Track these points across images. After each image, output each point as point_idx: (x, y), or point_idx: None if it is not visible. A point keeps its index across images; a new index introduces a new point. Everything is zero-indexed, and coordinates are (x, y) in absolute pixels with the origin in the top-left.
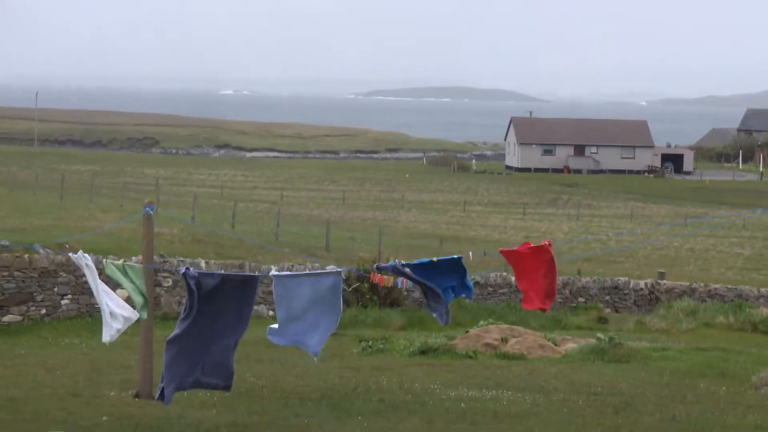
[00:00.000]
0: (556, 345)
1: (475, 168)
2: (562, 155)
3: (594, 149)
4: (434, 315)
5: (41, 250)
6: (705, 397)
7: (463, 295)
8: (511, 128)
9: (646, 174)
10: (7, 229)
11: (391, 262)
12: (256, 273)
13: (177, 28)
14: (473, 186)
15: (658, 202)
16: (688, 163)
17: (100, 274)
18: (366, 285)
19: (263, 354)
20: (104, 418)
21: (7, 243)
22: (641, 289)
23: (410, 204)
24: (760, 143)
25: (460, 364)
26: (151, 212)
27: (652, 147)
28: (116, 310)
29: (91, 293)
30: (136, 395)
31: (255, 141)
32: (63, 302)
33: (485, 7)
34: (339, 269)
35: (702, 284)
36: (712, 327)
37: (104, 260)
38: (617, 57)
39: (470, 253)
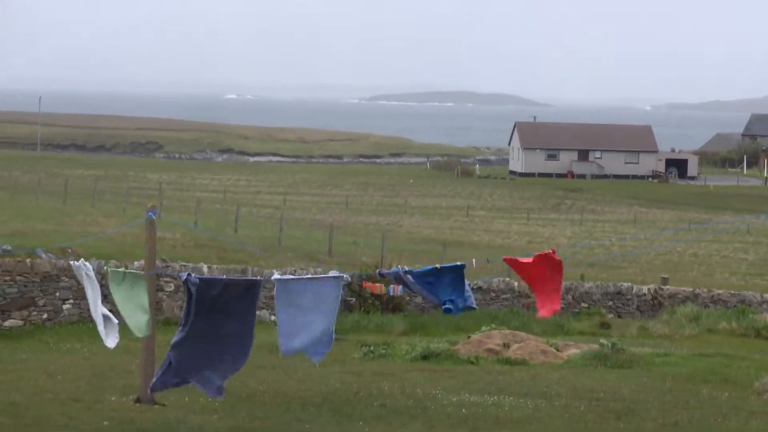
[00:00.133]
0: (558, 350)
1: (478, 173)
2: (566, 160)
3: (598, 154)
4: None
5: (43, 255)
6: (707, 402)
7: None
8: (515, 133)
9: (650, 179)
10: (8, 234)
11: (394, 268)
12: (259, 278)
13: (179, 32)
14: (477, 191)
15: (662, 207)
16: (692, 168)
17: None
18: (368, 292)
19: (265, 359)
20: (105, 423)
21: (9, 247)
22: (644, 294)
23: (413, 209)
24: (764, 148)
25: (462, 369)
26: (154, 217)
27: (656, 152)
28: (110, 315)
29: None
30: (138, 400)
31: (258, 145)
32: (65, 307)
33: (486, 10)
34: (341, 274)
35: (705, 290)
36: (715, 333)
37: (106, 267)
38: (621, 62)
39: (474, 260)
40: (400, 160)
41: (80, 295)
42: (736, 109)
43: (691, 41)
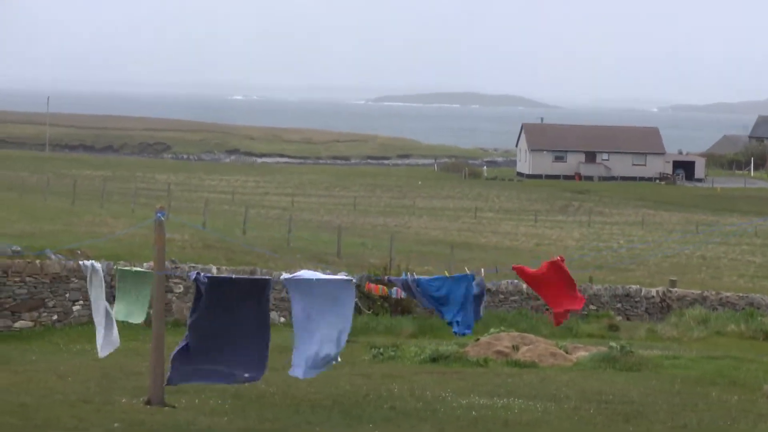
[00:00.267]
0: (567, 353)
1: (486, 174)
2: (574, 162)
3: (605, 156)
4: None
5: (53, 256)
6: (716, 405)
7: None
8: (523, 134)
9: (658, 181)
10: (17, 235)
11: (402, 276)
12: (268, 276)
13: (179, 32)
14: (484, 192)
15: (669, 209)
16: (699, 170)
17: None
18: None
19: (274, 361)
20: (116, 424)
21: (19, 248)
22: (653, 297)
23: (421, 210)
24: None
25: (472, 371)
26: (163, 218)
27: (663, 154)
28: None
29: None
30: (148, 402)
31: (264, 146)
32: (74, 308)
33: (487, 10)
34: (350, 277)
35: (713, 292)
36: (723, 335)
37: (115, 267)
38: (626, 63)
39: (482, 270)
40: (407, 161)
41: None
42: (742, 111)
43: (696, 42)
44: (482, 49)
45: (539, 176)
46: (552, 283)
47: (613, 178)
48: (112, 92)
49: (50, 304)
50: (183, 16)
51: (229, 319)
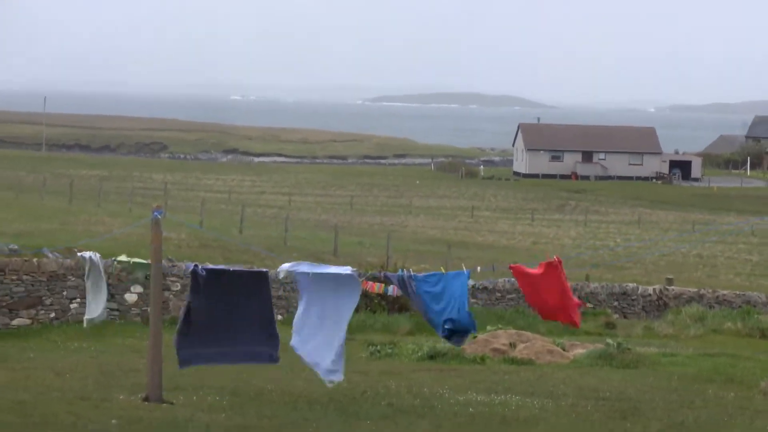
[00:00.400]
0: (564, 350)
1: (483, 174)
2: (570, 161)
3: (602, 155)
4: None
5: (50, 255)
6: (713, 402)
7: (458, 341)
8: (519, 134)
9: (654, 180)
10: (14, 234)
11: (399, 272)
12: (266, 269)
13: (179, 32)
14: (481, 192)
15: (665, 208)
16: (696, 170)
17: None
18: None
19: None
20: (113, 421)
21: (16, 247)
22: (649, 295)
23: (418, 209)
24: (767, 150)
25: (469, 368)
26: (159, 217)
27: (659, 153)
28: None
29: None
30: (146, 399)
31: (262, 146)
32: (72, 306)
33: (486, 10)
34: (354, 271)
35: (710, 290)
36: (720, 333)
37: (114, 262)
38: (624, 63)
39: (478, 267)
40: (404, 161)
41: None
42: (740, 111)
43: (695, 42)
44: (481, 50)
45: (536, 176)
46: (547, 289)
47: (609, 178)
48: (109, 92)
49: (47, 301)
50: (183, 16)
51: (230, 307)
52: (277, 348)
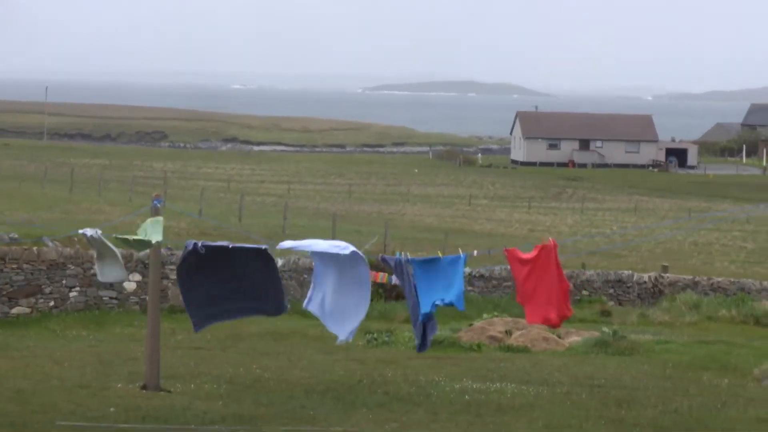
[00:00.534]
0: (559, 338)
1: (480, 162)
2: (567, 149)
3: (599, 143)
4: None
5: (50, 243)
6: (707, 389)
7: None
8: (517, 122)
9: (651, 168)
10: (15, 222)
11: (396, 255)
12: (265, 246)
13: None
14: (479, 180)
15: (662, 196)
16: (692, 158)
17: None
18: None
19: (270, 347)
20: (111, 409)
21: (16, 236)
22: (645, 282)
23: (416, 198)
24: (763, 138)
25: (465, 356)
26: (159, 205)
27: (656, 141)
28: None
29: (99, 286)
30: (144, 387)
31: (262, 135)
32: (71, 294)
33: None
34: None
35: (705, 278)
36: (714, 320)
37: (114, 235)
38: (624, 52)
39: (475, 251)
40: (402, 149)
41: (86, 283)
42: (737, 99)
43: (692, 30)
44: (479, 38)
45: (533, 164)
46: (540, 275)
47: (606, 166)
48: (110, 82)
49: (47, 290)
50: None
51: (234, 276)
52: (284, 299)
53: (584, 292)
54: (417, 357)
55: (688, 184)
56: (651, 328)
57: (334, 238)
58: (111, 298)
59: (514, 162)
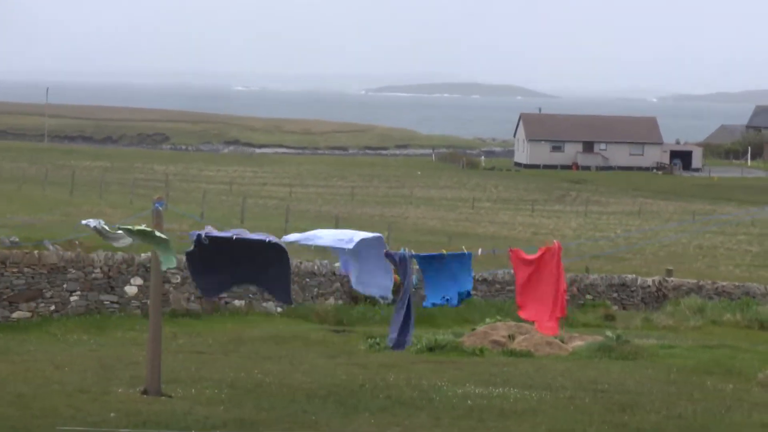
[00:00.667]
0: (563, 342)
1: (483, 164)
2: (571, 152)
3: (603, 146)
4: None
5: (50, 247)
6: (712, 394)
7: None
8: (521, 125)
9: (655, 171)
10: (16, 225)
11: (401, 251)
12: (269, 238)
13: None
14: (482, 182)
15: (666, 198)
16: (696, 160)
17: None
18: None
19: (271, 351)
20: (112, 414)
21: (17, 239)
22: (649, 286)
23: (419, 200)
24: None
25: (468, 361)
26: (161, 208)
27: (660, 144)
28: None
29: (100, 290)
30: (144, 392)
31: (264, 137)
32: (72, 299)
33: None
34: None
35: (709, 281)
36: (719, 324)
37: (117, 225)
38: (628, 55)
39: (480, 250)
40: (405, 151)
41: (87, 287)
42: (742, 101)
43: (696, 32)
44: (482, 40)
45: (537, 166)
46: (542, 278)
47: (610, 168)
48: (110, 82)
49: (48, 294)
50: (184, 6)
51: (242, 258)
52: (291, 292)
53: (588, 296)
54: (419, 361)
55: (692, 186)
56: (655, 332)
57: None
58: (112, 302)
59: (518, 164)
